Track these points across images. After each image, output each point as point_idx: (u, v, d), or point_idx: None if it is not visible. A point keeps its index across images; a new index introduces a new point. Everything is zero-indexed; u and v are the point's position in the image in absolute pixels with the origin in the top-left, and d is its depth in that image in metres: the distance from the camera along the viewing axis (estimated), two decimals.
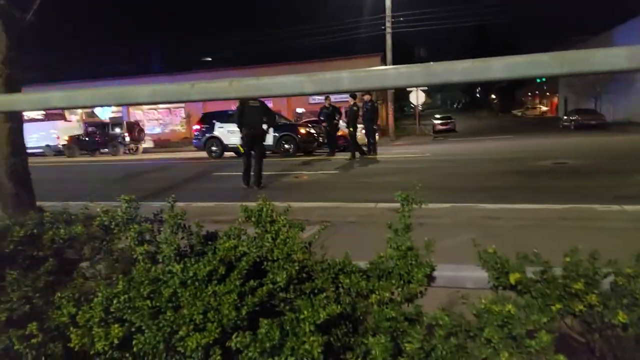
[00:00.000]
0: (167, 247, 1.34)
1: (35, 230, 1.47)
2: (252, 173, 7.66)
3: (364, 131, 13.97)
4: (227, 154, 16.72)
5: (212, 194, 6.88)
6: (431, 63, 1.40)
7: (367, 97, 13.50)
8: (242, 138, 8.13)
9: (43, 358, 1.21)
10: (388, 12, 25.26)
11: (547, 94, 52.95)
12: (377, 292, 1.28)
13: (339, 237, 3.86)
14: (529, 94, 60.47)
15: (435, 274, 1.36)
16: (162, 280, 1.27)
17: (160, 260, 1.33)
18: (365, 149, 13.44)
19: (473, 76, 1.35)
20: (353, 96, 12.80)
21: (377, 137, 14.32)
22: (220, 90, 1.55)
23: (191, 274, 1.25)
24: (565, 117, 29.03)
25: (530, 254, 1.33)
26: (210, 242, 1.47)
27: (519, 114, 57.71)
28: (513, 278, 1.21)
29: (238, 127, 8.16)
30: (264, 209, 1.49)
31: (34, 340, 1.19)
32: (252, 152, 7.86)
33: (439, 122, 33.63)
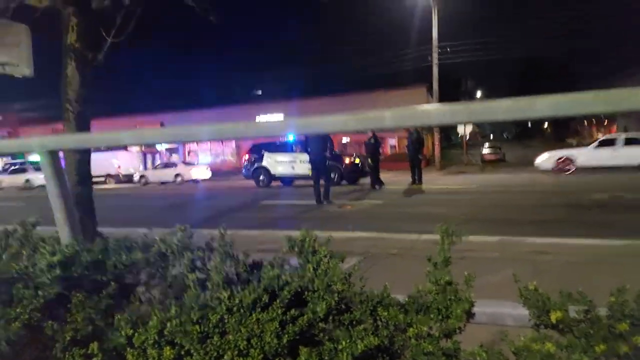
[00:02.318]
0: (216, 275, 1.44)
1: (100, 257, 1.62)
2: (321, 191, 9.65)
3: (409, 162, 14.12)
4: (274, 183, 17.15)
5: (260, 223, 7.06)
6: (472, 102, 1.45)
7: (412, 128, 13.64)
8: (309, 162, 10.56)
9: None
10: (435, 42, 25.39)
11: (605, 122, 50.45)
12: (414, 326, 1.30)
13: (380, 269, 3.85)
14: (585, 122, 57.85)
15: (475, 309, 1.36)
16: (210, 306, 1.36)
17: (210, 287, 1.42)
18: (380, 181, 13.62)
19: (515, 115, 1.38)
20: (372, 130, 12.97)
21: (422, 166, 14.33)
22: (274, 129, 1.68)
23: (237, 301, 1.33)
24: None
25: (574, 292, 1.31)
26: (255, 271, 1.55)
27: (574, 143, 55.19)
28: (554, 316, 1.20)
29: (307, 153, 10.55)
30: (307, 239, 1.56)
31: (94, 359, 1.31)
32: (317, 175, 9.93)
33: (487, 151, 32.78)
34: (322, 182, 9.93)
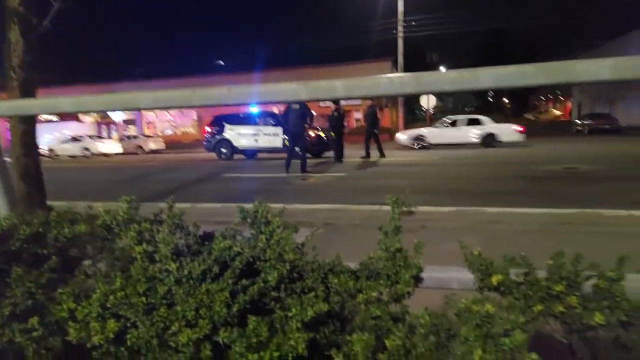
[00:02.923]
0: (164, 247, 1.40)
1: (40, 229, 1.54)
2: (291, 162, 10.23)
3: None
4: (236, 156, 16.90)
5: (220, 196, 6.97)
6: (421, 73, 1.46)
7: (368, 102, 14.10)
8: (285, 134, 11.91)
9: (43, 351, 1.27)
10: (400, 16, 25.28)
11: (561, 98, 52.40)
12: (364, 292, 1.32)
13: (342, 239, 3.90)
14: (542, 98, 59.88)
15: (423, 275, 1.40)
16: (158, 278, 1.33)
17: (158, 259, 1.39)
18: (364, 153, 14.06)
19: (461, 86, 1.40)
20: (335, 102, 13.15)
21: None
22: (220, 97, 1.62)
23: (186, 272, 1.31)
24: (578, 122, 28.71)
25: (517, 256, 1.37)
26: (206, 242, 1.52)
27: (532, 118, 57.19)
28: (495, 279, 1.25)
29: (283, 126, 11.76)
30: (260, 211, 1.54)
31: (34, 334, 1.25)
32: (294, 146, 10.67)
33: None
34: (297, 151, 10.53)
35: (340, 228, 4.31)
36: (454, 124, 20.21)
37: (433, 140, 19.58)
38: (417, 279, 1.35)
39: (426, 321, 1.11)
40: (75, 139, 27.00)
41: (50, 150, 26.13)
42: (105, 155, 25.13)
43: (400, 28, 25.38)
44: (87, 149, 25.90)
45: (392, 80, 1.46)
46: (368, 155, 14.10)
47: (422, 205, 5.11)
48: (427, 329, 1.10)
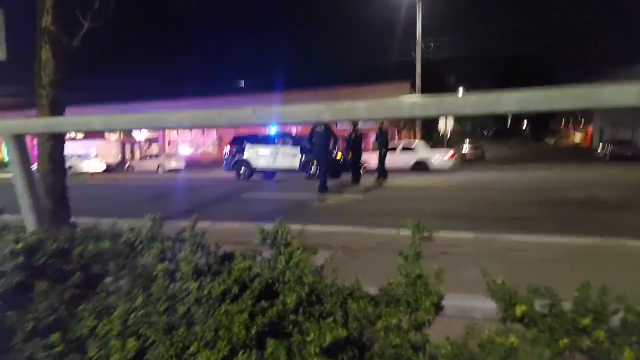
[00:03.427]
0: (185, 266, 1.41)
1: (66, 245, 1.58)
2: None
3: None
4: (255, 176, 17.05)
5: (239, 215, 7.01)
6: (444, 95, 1.46)
7: (377, 124, 14.36)
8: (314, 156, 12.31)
9: None
10: (418, 38, 25.51)
11: (582, 123, 51.62)
12: (384, 319, 1.30)
13: (359, 263, 3.87)
14: (563, 123, 59.09)
15: (444, 303, 1.37)
16: (178, 297, 1.34)
17: (179, 278, 1.40)
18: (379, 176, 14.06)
19: (484, 109, 1.40)
20: (354, 124, 13.29)
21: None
22: (245, 117, 1.65)
23: (206, 292, 1.31)
24: (600, 148, 28.17)
25: (541, 287, 1.33)
26: (227, 263, 1.53)
27: (552, 143, 56.37)
28: (520, 310, 1.21)
29: (309, 147, 12.08)
30: (280, 232, 1.55)
31: (56, 350, 1.27)
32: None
33: (468, 149, 33.18)
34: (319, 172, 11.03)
35: (358, 252, 4.28)
36: (393, 149, 20.83)
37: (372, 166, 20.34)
38: (438, 307, 1.32)
39: (447, 351, 1.09)
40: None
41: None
42: (91, 174, 25.80)
43: (418, 50, 25.59)
44: (70, 167, 26.62)
45: (415, 102, 1.47)
46: (385, 176, 14.09)
47: (441, 230, 5.04)
48: None
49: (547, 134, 62.87)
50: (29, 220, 1.76)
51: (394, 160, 19.59)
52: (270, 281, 1.36)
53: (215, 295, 1.29)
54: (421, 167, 19.60)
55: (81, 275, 1.49)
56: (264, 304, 1.28)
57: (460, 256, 3.96)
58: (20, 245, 1.51)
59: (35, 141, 5.28)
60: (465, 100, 1.42)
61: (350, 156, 13.52)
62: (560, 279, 1.40)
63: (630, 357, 1.10)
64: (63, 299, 1.41)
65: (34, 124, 1.73)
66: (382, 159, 14.32)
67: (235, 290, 1.32)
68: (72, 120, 1.66)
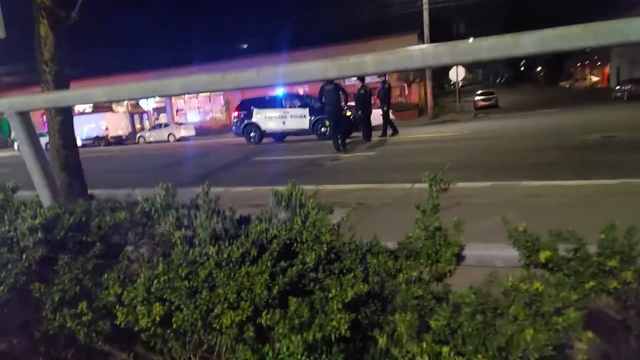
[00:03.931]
0: (202, 231, 1.41)
1: (83, 218, 1.59)
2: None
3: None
4: (265, 139, 17.00)
5: (252, 179, 7.04)
6: (457, 42, 1.37)
7: (379, 79, 13.85)
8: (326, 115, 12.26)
9: (94, 334, 1.32)
10: None
11: (598, 63, 49.70)
12: (404, 272, 1.30)
13: (374, 219, 3.87)
14: (578, 64, 56.99)
15: (464, 253, 1.36)
16: (198, 262, 1.35)
17: (197, 243, 1.40)
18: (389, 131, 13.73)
19: (502, 53, 1.31)
20: (361, 79, 12.89)
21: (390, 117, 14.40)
22: (250, 79, 1.60)
23: (225, 255, 1.32)
24: (617, 87, 27.20)
25: (564, 231, 1.30)
26: (243, 226, 1.53)
27: (567, 86, 54.67)
28: (543, 255, 1.19)
29: (320, 106, 12.10)
30: (294, 193, 1.54)
31: (84, 318, 1.30)
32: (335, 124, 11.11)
33: (480, 98, 32.38)
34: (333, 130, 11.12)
35: (373, 208, 4.28)
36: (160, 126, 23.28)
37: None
38: (459, 257, 1.31)
39: (472, 300, 1.08)
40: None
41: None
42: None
43: (425, 0, 24.55)
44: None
45: (426, 51, 1.39)
46: (395, 131, 13.86)
47: (458, 181, 5.00)
48: (473, 308, 1.07)
49: (562, 77, 60.87)
50: (44, 196, 1.77)
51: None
52: (288, 242, 1.35)
53: (234, 258, 1.30)
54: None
55: (101, 245, 1.50)
56: (283, 264, 1.28)
57: (478, 206, 3.93)
58: (38, 221, 1.53)
59: (45, 118, 5.27)
60: (479, 45, 1.33)
61: (359, 113, 13.28)
62: (582, 223, 1.36)
63: None
64: (86, 269, 1.44)
65: (36, 99, 1.70)
66: (385, 116, 14.00)
67: (254, 252, 1.32)
68: (75, 93, 1.63)
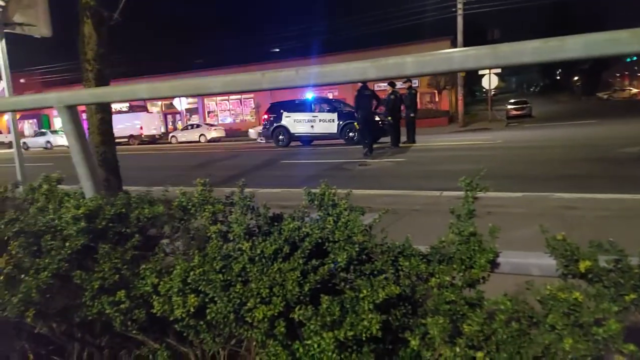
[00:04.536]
0: (237, 227, 1.44)
1: (123, 210, 1.64)
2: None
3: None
4: (293, 143, 17.11)
5: (280, 181, 7.11)
6: (499, 44, 1.35)
7: (407, 85, 13.71)
8: (358, 118, 12.29)
9: (129, 322, 1.37)
10: None
11: (639, 74, 47.74)
12: (437, 276, 1.29)
13: (403, 224, 3.84)
14: (617, 74, 54.87)
15: (499, 260, 1.34)
16: (232, 256, 1.37)
17: (231, 238, 1.43)
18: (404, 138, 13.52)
19: (546, 56, 1.29)
20: (391, 84, 12.83)
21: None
22: (288, 79, 1.62)
23: (259, 251, 1.34)
24: None
25: (604, 242, 1.27)
26: (276, 223, 1.55)
27: (605, 96, 52.75)
28: (583, 265, 1.16)
29: (355, 110, 12.37)
30: (326, 193, 1.55)
31: (122, 306, 1.35)
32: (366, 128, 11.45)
33: (512, 106, 31.63)
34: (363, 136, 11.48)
35: (402, 213, 4.25)
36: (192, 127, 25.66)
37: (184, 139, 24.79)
38: (494, 264, 1.29)
39: (507, 307, 1.07)
40: (42, 133, 31.58)
41: (24, 143, 29.48)
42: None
43: (459, 5, 24.24)
44: (49, 142, 30.13)
45: (467, 54, 1.38)
46: (413, 140, 13.65)
47: (490, 190, 4.91)
48: (508, 315, 1.05)
49: (599, 87, 58.80)
50: (86, 187, 1.84)
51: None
52: (320, 240, 1.36)
53: (267, 254, 1.32)
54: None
55: (139, 237, 1.56)
56: (314, 262, 1.29)
57: (510, 215, 3.85)
58: (81, 210, 1.59)
59: (85, 115, 5.46)
60: (523, 48, 1.31)
61: (389, 118, 13.19)
62: (620, 236, 1.32)
63: None
64: (125, 259, 1.49)
65: (83, 94, 1.78)
66: (410, 123, 13.80)
67: (286, 249, 1.34)
68: (119, 89, 1.70)
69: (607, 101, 48.62)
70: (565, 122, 19.91)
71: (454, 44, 25.94)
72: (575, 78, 69.61)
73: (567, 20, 55.77)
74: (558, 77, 78.40)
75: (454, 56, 1.42)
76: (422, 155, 10.57)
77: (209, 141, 27.19)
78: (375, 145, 11.81)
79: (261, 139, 20.69)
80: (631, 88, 50.83)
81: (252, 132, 24.91)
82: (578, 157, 8.27)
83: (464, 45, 23.40)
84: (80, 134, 1.83)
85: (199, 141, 27.58)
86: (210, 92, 1.66)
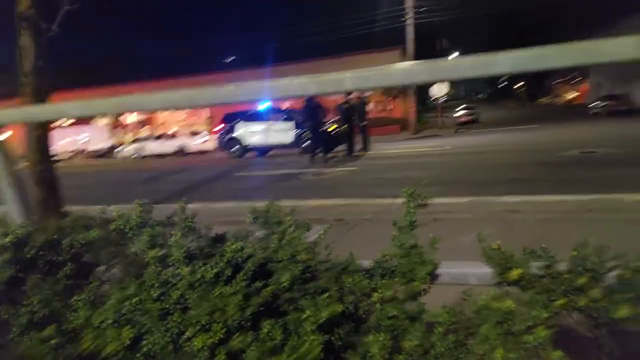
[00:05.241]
0: (177, 250, 1.39)
1: (55, 236, 1.55)
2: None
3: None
4: (248, 154, 16.95)
5: (233, 194, 6.99)
6: (436, 60, 1.40)
7: (356, 94, 13.96)
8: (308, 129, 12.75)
9: (61, 359, 1.28)
10: (409, 2, 24.91)
11: (577, 80, 51.13)
12: (379, 291, 1.30)
13: (353, 235, 3.88)
14: (559, 80, 58.48)
15: (439, 271, 1.36)
16: (171, 282, 1.32)
17: (171, 263, 1.38)
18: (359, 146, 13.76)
19: (479, 72, 1.35)
20: (346, 94, 13.05)
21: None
22: (228, 95, 1.60)
23: (199, 276, 1.30)
24: (595, 104, 27.98)
25: (538, 248, 1.32)
26: (219, 244, 1.51)
27: (546, 102, 56.07)
28: (515, 273, 1.21)
29: (303, 120, 12.91)
30: (271, 211, 1.53)
31: (52, 342, 1.26)
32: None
33: (460, 113, 32.86)
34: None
35: (353, 223, 4.29)
36: (159, 137, 26.41)
37: (148, 153, 25.44)
38: (433, 276, 1.32)
39: (444, 319, 1.09)
40: None
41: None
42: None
43: (410, 15, 25.03)
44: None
45: (405, 69, 1.42)
46: (367, 148, 13.91)
47: (436, 196, 5.06)
48: (445, 328, 1.07)
49: (542, 93, 62.36)
50: (15, 212, 1.72)
51: (161, 148, 24.62)
52: (264, 261, 1.34)
53: (208, 278, 1.28)
54: (180, 152, 24.35)
55: (72, 265, 1.47)
56: (258, 284, 1.26)
57: (456, 221, 3.97)
58: (8, 239, 1.48)
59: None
60: (458, 63, 1.37)
61: (343, 127, 13.35)
62: (558, 239, 1.39)
63: (625, 313, 1.10)
64: (56, 290, 1.40)
65: (9, 114, 1.67)
66: (363, 132, 14.03)
67: (229, 272, 1.31)
68: (48, 108, 1.61)
69: (548, 106, 51.68)
70: (511, 127, 20.96)
71: (403, 54, 26.68)
72: (519, 84, 73.51)
73: (515, 29, 58.63)
74: (504, 84, 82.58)
75: (392, 71, 1.45)
76: (375, 163, 10.76)
77: (160, 155, 25.92)
78: (330, 155, 11.92)
79: (136, 156, 21.98)
80: (570, 93, 54.26)
81: (128, 150, 25.49)
82: (522, 161, 8.70)
83: (415, 54, 24.19)
84: (7, 155, 1.71)
85: (149, 155, 26.34)
86: (148, 108, 1.62)
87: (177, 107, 1.56)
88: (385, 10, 28.60)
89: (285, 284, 1.27)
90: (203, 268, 1.30)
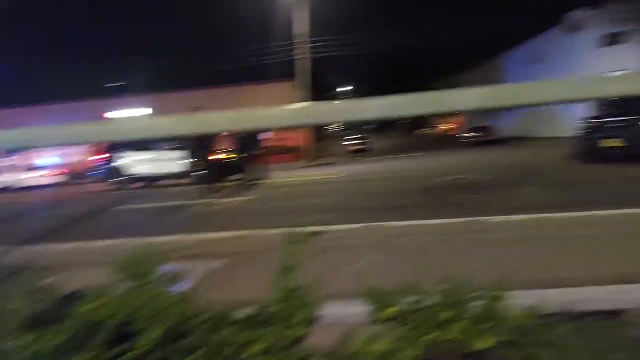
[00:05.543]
0: (16, 316, 1.18)
1: None
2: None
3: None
4: (137, 184, 15.79)
5: (113, 231, 6.38)
6: (312, 103, 1.44)
7: None
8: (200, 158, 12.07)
9: None
10: (304, 37, 26.00)
11: (454, 114, 57.17)
12: (260, 341, 1.23)
13: (246, 270, 3.75)
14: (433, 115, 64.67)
15: (321, 313, 1.34)
16: (10, 354, 1.11)
17: (8, 333, 1.16)
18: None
19: (352, 117, 1.42)
20: None
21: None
22: (109, 133, 1.45)
23: (46, 344, 1.10)
24: (464, 134, 31.55)
25: (412, 283, 1.37)
26: (74, 302, 1.32)
27: (425, 133, 61.90)
28: (390, 312, 1.23)
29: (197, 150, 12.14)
30: (138, 261, 1.38)
31: None
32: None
33: (350, 143, 34.36)
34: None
35: (248, 257, 4.15)
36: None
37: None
38: (312, 320, 1.29)
39: None
40: None
41: None
42: None
43: (304, 49, 26.08)
44: None
45: (283, 111, 1.41)
46: (265, 177, 13.97)
47: (334, 224, 5.19)
48: None
49: (424, 124, 68.51)
50: None
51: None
52: (127, 320, 1.19)
53: (54, 346, 1.09)
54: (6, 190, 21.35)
55: None
56: (118, 349, 1.11)
57: (348, 248, 4.06)
58: None
59: None
60: (334, 107, 1.41)
61: (240, 156, 13.16)
62: (437, 261, 1.46)
63: (490, 343, 1.17)
64: None
65: None
66: (259, 160, 14.08)
67: (82, 336, 1.13)
68: None
69: (427, 137, 57.07)
70: (396, 155, 22.64)
71: (295, 86, 27.40)
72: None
73: (401, 69, 63.80)
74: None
75: (269, 114, 1.43)
76: (271, 192, 10.75)
77: (29, 188, 22.67)
78: (224, 184, 11.62)
79: None
80: (446, 125, 60.43)
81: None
82: (407, 188, 9.38)
83: (306, 88, 25.14)
84: None
85: (17, 187, 23.07)
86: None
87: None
88: (278, 45, 29.45)
89: (151, 345, 1.14)
90: (50, 335, 1.11)
